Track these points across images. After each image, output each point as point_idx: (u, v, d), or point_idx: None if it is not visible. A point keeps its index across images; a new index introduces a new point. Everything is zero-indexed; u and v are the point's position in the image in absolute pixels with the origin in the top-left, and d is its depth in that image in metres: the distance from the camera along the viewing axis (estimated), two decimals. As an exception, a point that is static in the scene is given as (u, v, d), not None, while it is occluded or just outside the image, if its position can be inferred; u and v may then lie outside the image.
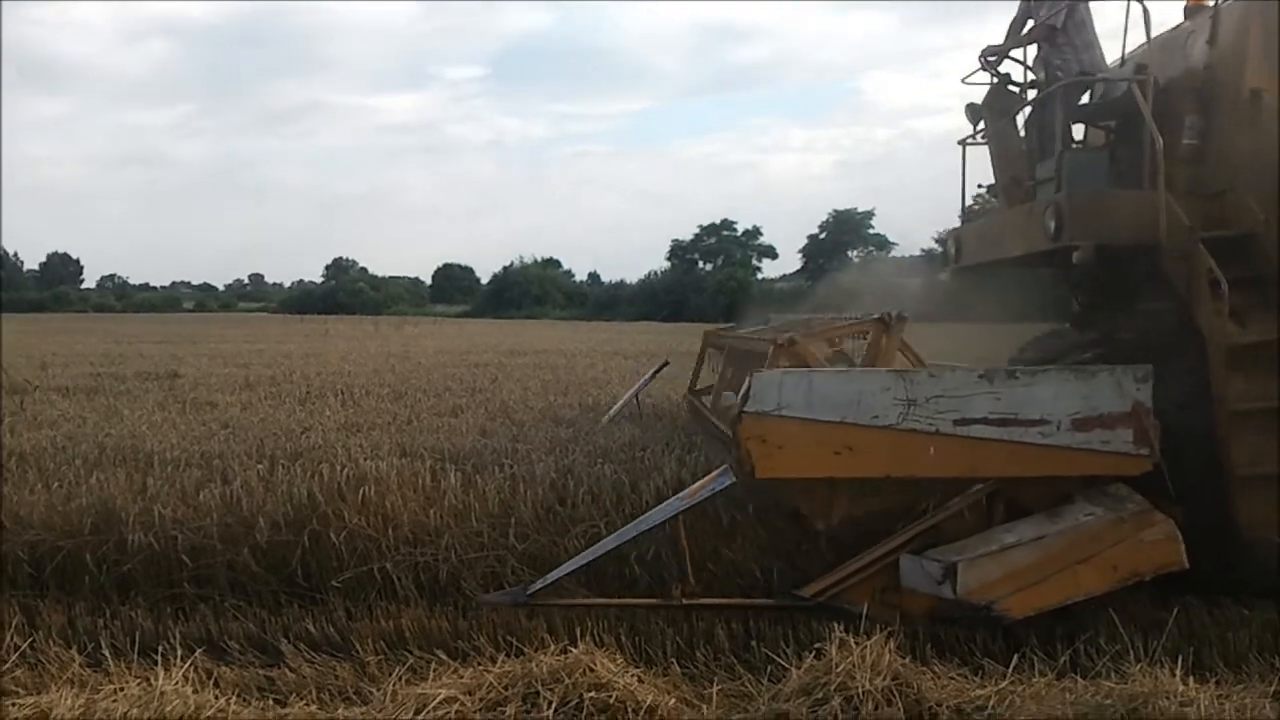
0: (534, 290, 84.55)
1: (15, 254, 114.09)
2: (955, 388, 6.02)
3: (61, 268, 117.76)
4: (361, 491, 7.16)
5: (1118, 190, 7.18)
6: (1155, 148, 6.84)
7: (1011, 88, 7.84)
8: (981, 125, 8.08)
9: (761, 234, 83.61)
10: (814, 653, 5.17)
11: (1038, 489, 6.19)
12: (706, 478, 6.66)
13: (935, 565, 5.90)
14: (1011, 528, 6.07)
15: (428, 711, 4.73)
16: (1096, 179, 7.25)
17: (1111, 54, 8.01)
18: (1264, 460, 6.34)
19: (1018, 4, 8.09)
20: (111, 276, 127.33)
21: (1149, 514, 6.02)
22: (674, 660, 5.65)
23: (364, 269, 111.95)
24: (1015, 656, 5.40)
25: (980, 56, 7.65)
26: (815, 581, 6.20)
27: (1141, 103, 7.00)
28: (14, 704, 4.88)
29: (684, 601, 6.19)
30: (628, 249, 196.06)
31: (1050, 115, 7.63)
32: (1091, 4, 7.77)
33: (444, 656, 5.51)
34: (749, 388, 6.10)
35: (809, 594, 6.15)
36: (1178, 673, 4.86)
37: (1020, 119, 8.16)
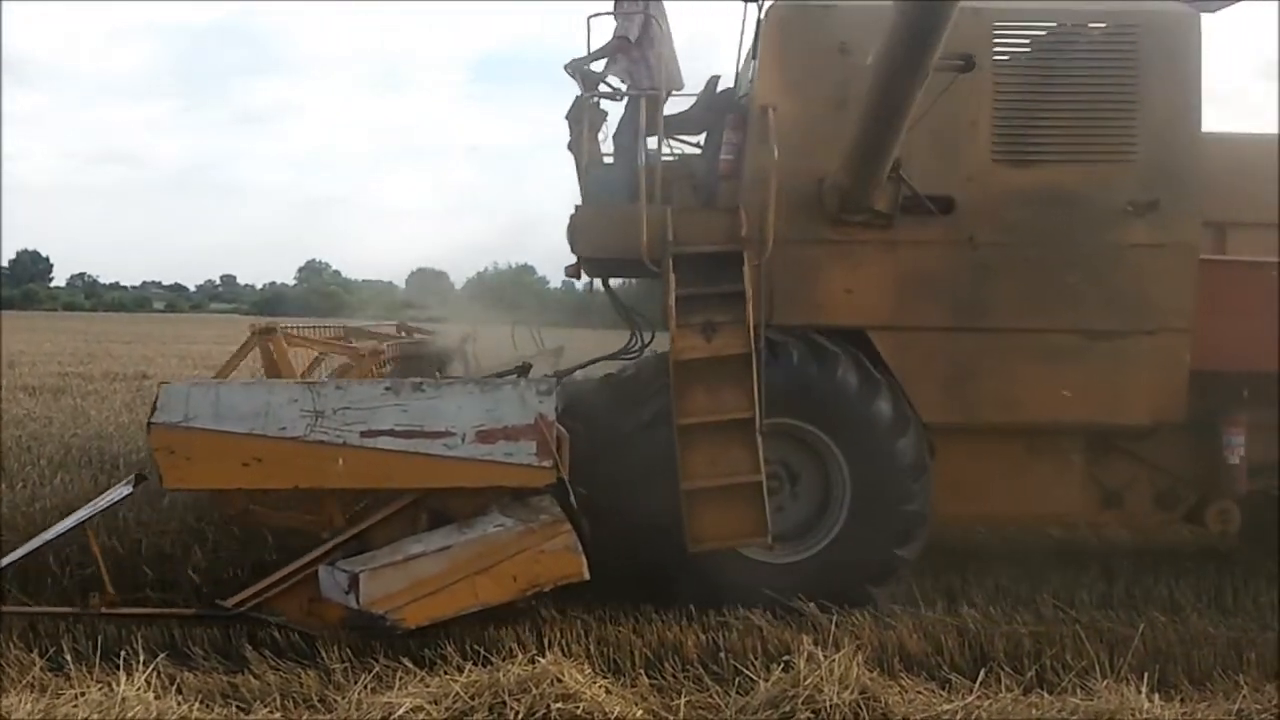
0: (507, 296, 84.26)
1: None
2: (362, 400, 6.01)
3: (31, 265, 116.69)
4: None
5: (620, 205, 7.17)
6: (642, 163, 7.03)
7: (603, 98, 7.76)
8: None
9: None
10: (782, 665, 5.19)
11: (462, 499, 6.17)
12: (113, 488, 6.65)
13: (343, 575, 5.86)
14: (421, 538, 6.05)
15: (393, 720, 4.70)
16: (616, 193, 7.26)
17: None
18: (708, 474, 6.41)
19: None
20: (81, 275, 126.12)
21: (555, 525, 6.01)
22: (642, 671, 5.62)
23: (337, 272, 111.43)
24: (982, 672, 5.43)
25: (566, 67, 7.57)
26: (243, 591, 6.17)
27: (641, 118, 7.17)
28: (-28, 708, 4.81)
29: (102, 610, 6.11)
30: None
31: (634, 128, 7.59)
32: (670, 14, 7.78)
33: (410, 665, 5.46)
34: (156, 398, 6.08)
35: (231, 604, 6.11)
36: (1143, 689, 4.91)
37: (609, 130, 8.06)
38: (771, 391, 6.50)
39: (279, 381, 6.61)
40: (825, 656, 5.03)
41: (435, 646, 5.82)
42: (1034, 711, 4.95)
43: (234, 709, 5.14)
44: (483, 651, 5.68)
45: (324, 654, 5.75)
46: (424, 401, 6.00)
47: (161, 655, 5.54)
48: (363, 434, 5.97)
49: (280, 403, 6.00)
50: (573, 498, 6.12)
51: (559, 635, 5.98)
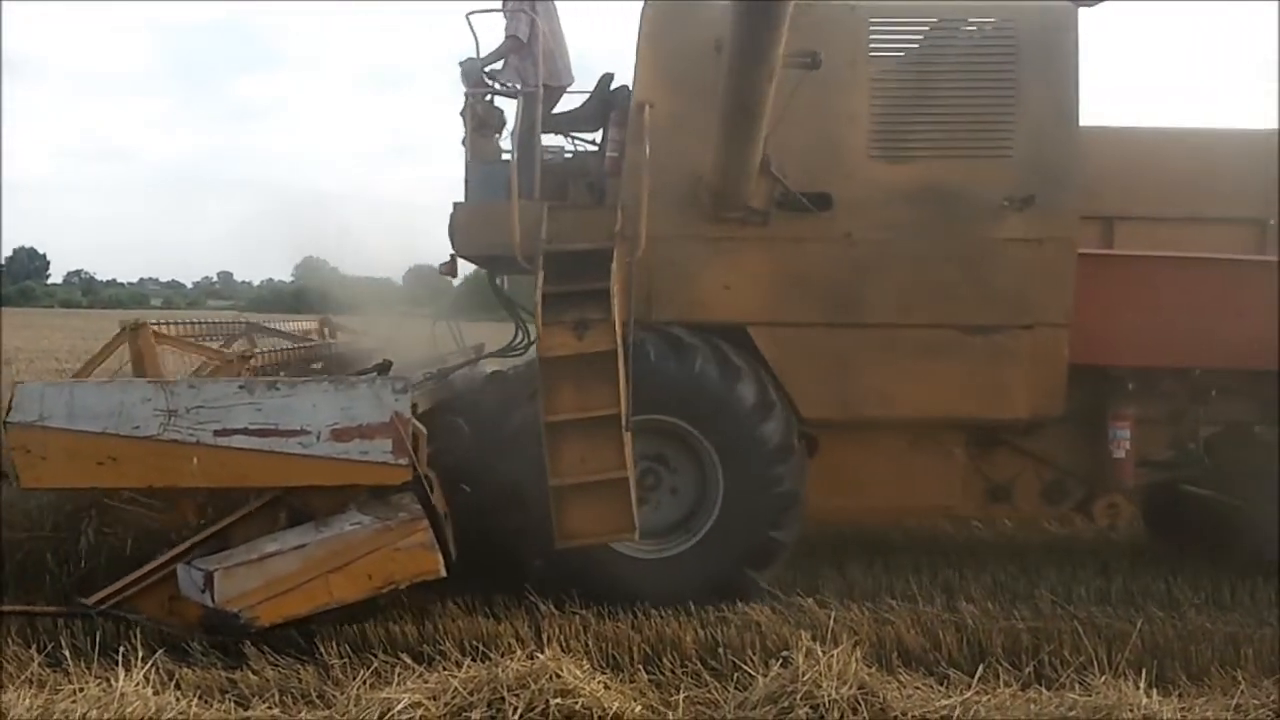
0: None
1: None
2: (216, 398, 5.98)
3: (27, 262, 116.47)
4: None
5: (497, 203, 7.16)
6: (515, 159, 7.05)
7: (496, 98, 7.77)
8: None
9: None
10: (781, 661, 5.19)
11: (323, 497, 6.14)
12: None
13: (199, 573, 5.83)
14: (277, 536, 6.02)
15: (391, 716, 4.71)
16: (498, 190, 7.26)
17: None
18: (578, 470, 6.40)
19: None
20: (78, 272, 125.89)
21: (412, 523, 5.99)
22: (640, 667, 5.63)
23: (334, 269, 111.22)
24: (980, 667, 5.43)
25: (461, 64, 7.55)
26: (105, 589, 6.12)
27: (521, 116, 7.24)
28: (-30, 704, 4.81)
29: None
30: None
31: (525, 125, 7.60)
32: (560, 10, 7.81)
33: (409, 661, 5.46)
34: (12, 397, 6.05)
35: (93, 601, 6.06)
36: (1141, 685, 4.91)
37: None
38: (636, 388, 6.48)
39: (133, 380, 6.57)
40: (824, 652, 5.03)
41: (434, 643, 5.83)
42: (1032, 707, 4.96)
43: (232, 705, 5.15)
44: (481, 647, 5.67)
45: (322, 650, 5.76)
46: (278, 400, 5.97)
47: (160, 651, 5.53)
48: (216, 433, 5.94)
49: (134, 402, 5.97)
50: (431, 495, 6.11)
51: (558, 631, 5.99)
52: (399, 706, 4.74)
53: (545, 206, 6.99)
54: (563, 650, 5.35)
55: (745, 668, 5.39)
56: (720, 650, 5.81)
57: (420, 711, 4.73)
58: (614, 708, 4.84)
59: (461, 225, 7.27)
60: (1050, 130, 7.09)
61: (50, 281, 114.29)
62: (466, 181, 7.53)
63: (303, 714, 5.05)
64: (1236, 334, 7.22)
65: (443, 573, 6.02)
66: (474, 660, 5.33)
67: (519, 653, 5.25)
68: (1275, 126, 7.71)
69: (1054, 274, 7.10)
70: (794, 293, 7.13)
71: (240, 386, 6.04)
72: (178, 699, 4.89)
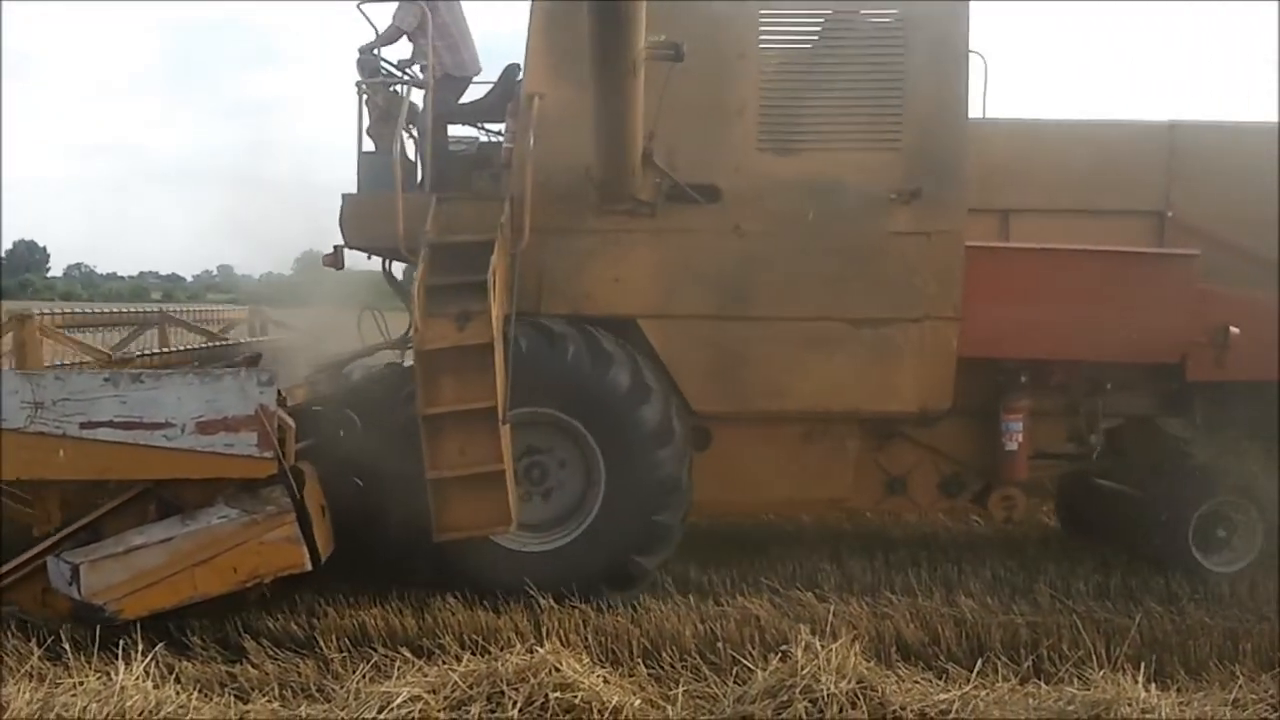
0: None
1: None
2: (81, 391, 5.94)
3: (27, 255, 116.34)
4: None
5: (385, 194, 7.11)
6: (397, 152, 7.09)
7: (396, 86, 7.75)
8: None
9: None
10: (779, 655, 5.18)
11: (193, 490, 6.12)
12: None
13: (66, 566, 5.81)
14: (144, 529, 6.00)
15: (391, 710, 4.71)
16: (387, 181, 7.22)
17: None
18: (457, 463, 6.40)
19: None
20: (79, 265, 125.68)
21: (279, 517, 5.98)
22: (640, 661, 5.64)
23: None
24: (979, 661, 5.43)
25: (360, 50, 7.54)
26: None
27: (403, 108, 7.27)
28: (-30, 698, 4.81)
29: None
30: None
31: (423, 115, 7.62)
32: (464, 3, 7.82)
33: (409, 655, 5.47)
34: None
35: None
36: (1139, 679, 4.90)
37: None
38: (512, 380, 6.51)
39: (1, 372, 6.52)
40: (822, 646, 5.02)
41: (433, 636, 5.84)
42: (1030, 701, 4.95)
43: (232, 699, 5.15)
44: (481, 641, 5.69)
45: (322, 644, 5.77)
46: (143, 392, 5.93)
47: (160, 645, 5.54)
48: (82, 425, 5.90)
49: (1, 394, 5.94)
50: (303, 488, 6.10)
51: (557, 625, 6.00)
52: (398, 700, 4.74)
53: (434, 198, 7.01)
54: (562, 644, 5.35)
55: (744, 662, 5.38)
56: (719, 644, 5.82)
57: (420, 705, 4.73)
58: (613, 701, 4.84)
59: (350, 216, 7.25)
60: (939, 124, 7.10)
61: (50, 275, 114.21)
62: (358, 172, 7.50)
63: (302, 708, 5.05)
64: (1129, 327, 7.25)
65: (308, 566, 6.02)
66: (473, 654, 5.34)
67: (518, 646, 5.25)
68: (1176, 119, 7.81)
69: (942, 267, 7.12)
70: (683, 285, 7.13)
71: (105, 379, 5.99)
72: (177, 693, 4.89)
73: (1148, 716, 4.66)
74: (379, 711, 4.72)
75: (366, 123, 7.55)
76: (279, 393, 6.02)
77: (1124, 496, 7.83)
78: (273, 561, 5.95)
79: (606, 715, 4.78)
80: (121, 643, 5.27)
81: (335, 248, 7.51)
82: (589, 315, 7.05)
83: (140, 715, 4.67)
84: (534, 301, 7.01)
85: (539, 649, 5.08)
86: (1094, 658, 5.45)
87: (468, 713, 4.73)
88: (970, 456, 7.65)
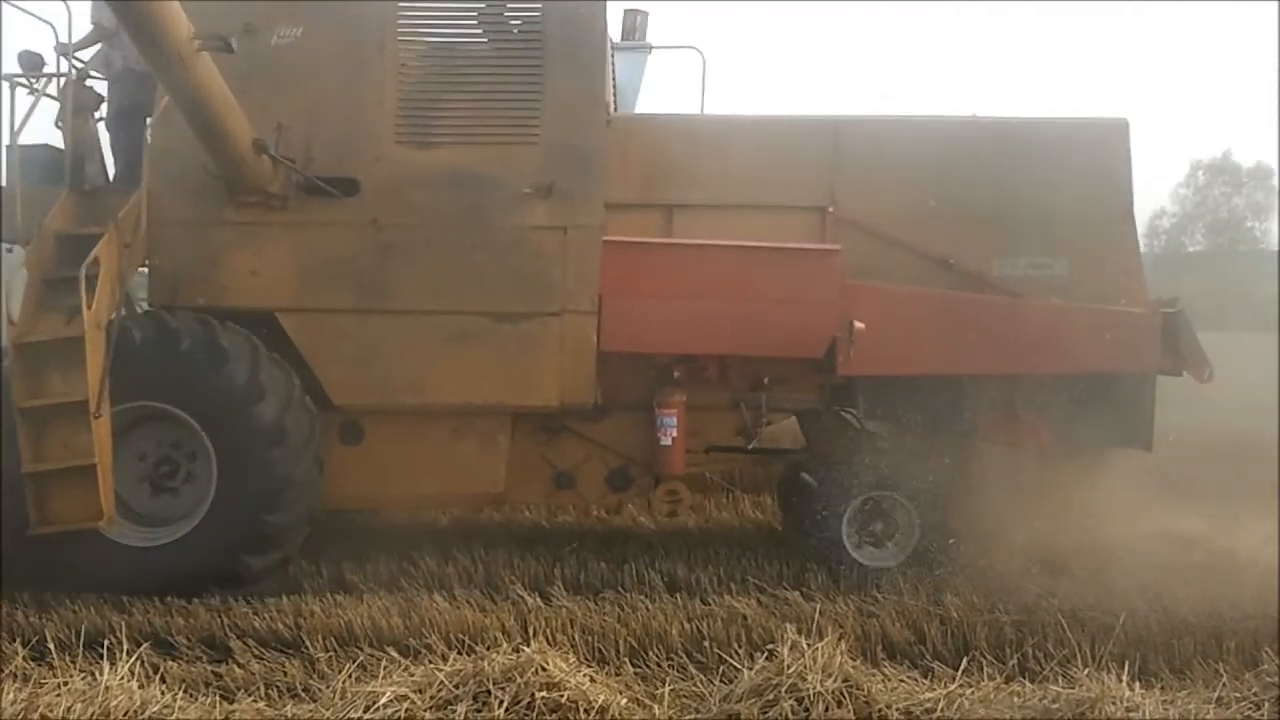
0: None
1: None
2: None
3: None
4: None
5: (30, 187, 7.12)
6: (12, 144, 7.07)
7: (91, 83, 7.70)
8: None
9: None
10: (766, 654, 5.19)
11: None
12: None
13: None
14: None
15: (377, 709, 4.69)
16: (48, 174, 7.25)
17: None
18: (59, 457, 6.41)
19: None
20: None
21: None
22: (626, 660, 5.64)
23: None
24: (964, 660, 5.46)
25: (55, 48, 7.42)
26: None
27: (87, 102, 7.28)
28: (-46, 698, 4.79)
29: None
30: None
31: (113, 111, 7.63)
32: None
33: (395, 654, 5.46)
34: None
35: None
36: (1124, 678, 4.92)
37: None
38: (125, 373, 6.50)
39: None
40: (809, 645, 5.03)
41: (420, 636, 5.83)
42: (1015, 700, 4.97)
43: (217, 698, 5.13)
44: (467, 640, 5.67)
45: (308, 643, 5.76)
46: None
47: (145, 645, 5.53)
48: None
49: None
50: None
51: (544, 624, 5.99)
52: (384, 699, 4.73)
53: (65, 191, 6.99)
54: (549, 643, 5.34)
55: (731, 660, 5.40)
56: (706, 643, 5.82)
57: (406, 705, 4.72)
58: (600, 700, 4.83)
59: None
60: (577, 120, 7.18)
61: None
62: (7, 165, 7.40)
63: (288, 707, 5.04)
64: (772, 322, 7.27)
65: None
66: (460, 653, 5.32)
67: (505, 646, 5.24)
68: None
69: (580, 262, 7.18)
70: (321, 278, 7.16)
71: None
72: (162, 693, 4.86)
73: (1132, 715, 4.68)
74: (365, 711, 4.70)
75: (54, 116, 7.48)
76: None
77: (806, 488, 7.86)
78: None
79: (593, 714, 4.77)
80: (106, 643, 5.25)
81: None
82: (227, 308, 7.03)
83: (125, 715, 4.65)
84: (169, 294, 7.01)
85: (525, 648, 5.06)
86: (1079, 656, 5.49)
87: (454, 712, 4.72)
88: (636, 451, 7.68)
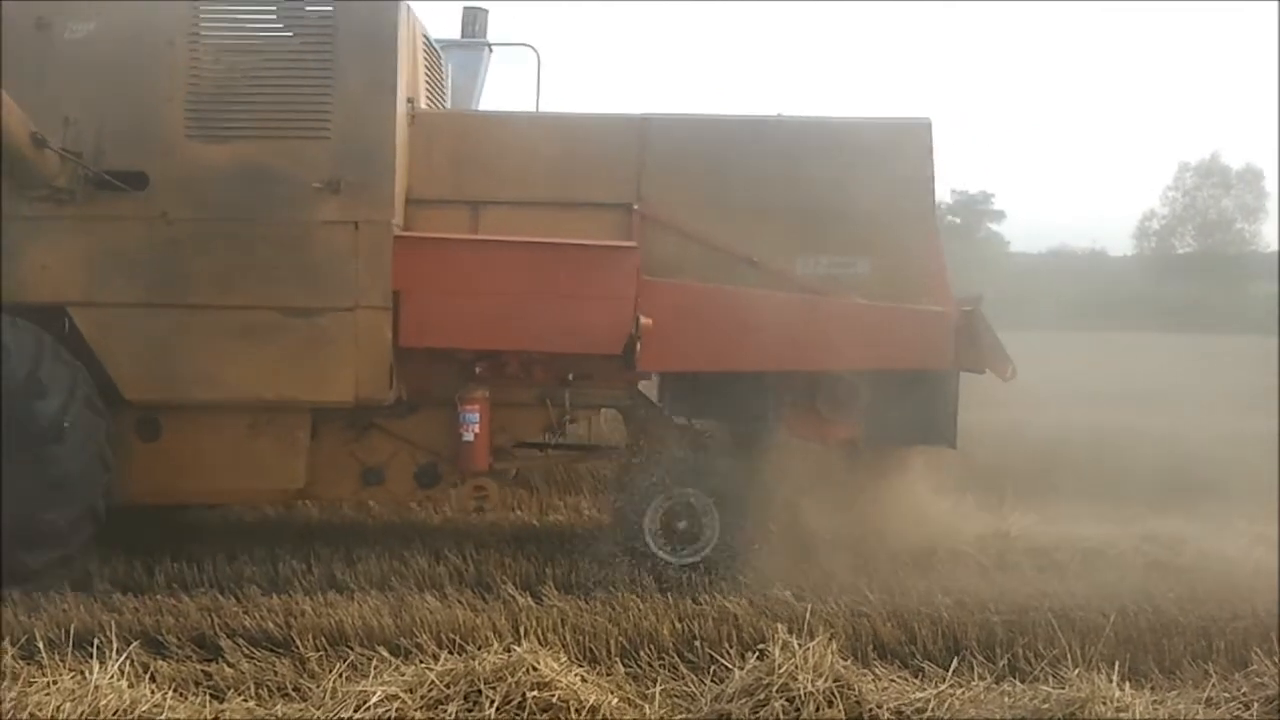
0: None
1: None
2: None
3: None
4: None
5: None
6: None
7: None
8: None
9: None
10: (757, 654, 5.19)
11: None
12: None
13: None
14: None
15: (368, 709, 4.68)
16: None
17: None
18: None
19: None
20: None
21: None
22: (617, 660, 5.64)
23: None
24: (955, 660, 5.46)
25: None
26: None
27: None
28: (-58, 697, 4.77)
29: None
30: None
31: None
32: None
33: (385, 654, 5.46)
34: None
35: None
36: (1114, 678, 4.92)
37: None
38: None
39: None
40: (800, 645, 5.04)
41: (411, 635, 5.82)
42: (1006, 700, 4.97)
43: (208, 698, 5.11)
44: (458, 640, 5.67)
45: (299, 643, 5.75)
46: None
47: (135, 644, 5.50)
48: None
49: None
50: None
51: (535, 624, 5.98)
52: (375, 699, 4.72)
53: None
54: (540, 643, 5.33)
55: (722, 660, 5.40)
56: (697, 643, 5.83)
57: (396, 704, 4.71)
58: (591, 700, 4.83)
59: None
60: (368, 115, 7.19)
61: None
62: None
63: (278, 707, 5.03)
64: (568, 318, 7.29)
65: None
66: (451, 653, 5.31)
67: (496, 645, 5.23)
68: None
69: (371, 257, 7.18)
70: (112, 273, 7.12)
71: None
72: (152, 691, 4.85)
73: (1122, 715, 4.69)
74: (355, 710, 4.69)
75: None
76: None
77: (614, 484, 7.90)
78: None
79: (584, 714, 4.77)
80: (96, 641, 5.24)
81: None
82: (22, 303, 6.96)
83: (115, 714, 4.63)
84: None
85: (516, 648, 5.06)
86: (1069, 656, 5.50)
87: (444, 712, 4.72)
88: (444, 447, 7.67)
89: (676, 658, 5.67)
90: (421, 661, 5.19)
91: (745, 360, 7.46)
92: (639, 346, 7.18)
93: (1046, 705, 4.81)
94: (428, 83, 7.99)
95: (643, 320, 7.17)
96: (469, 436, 7.42)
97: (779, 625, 5.50)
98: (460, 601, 6.44)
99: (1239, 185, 59.48)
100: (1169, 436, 10.99)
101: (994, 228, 65.28)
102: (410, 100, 7.50)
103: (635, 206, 7.54)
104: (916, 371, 7.54)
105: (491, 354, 7.48)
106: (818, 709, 4.77)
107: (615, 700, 4.97)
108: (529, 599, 6.44)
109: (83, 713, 4.60)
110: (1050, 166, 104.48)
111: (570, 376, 7.68)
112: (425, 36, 7.94)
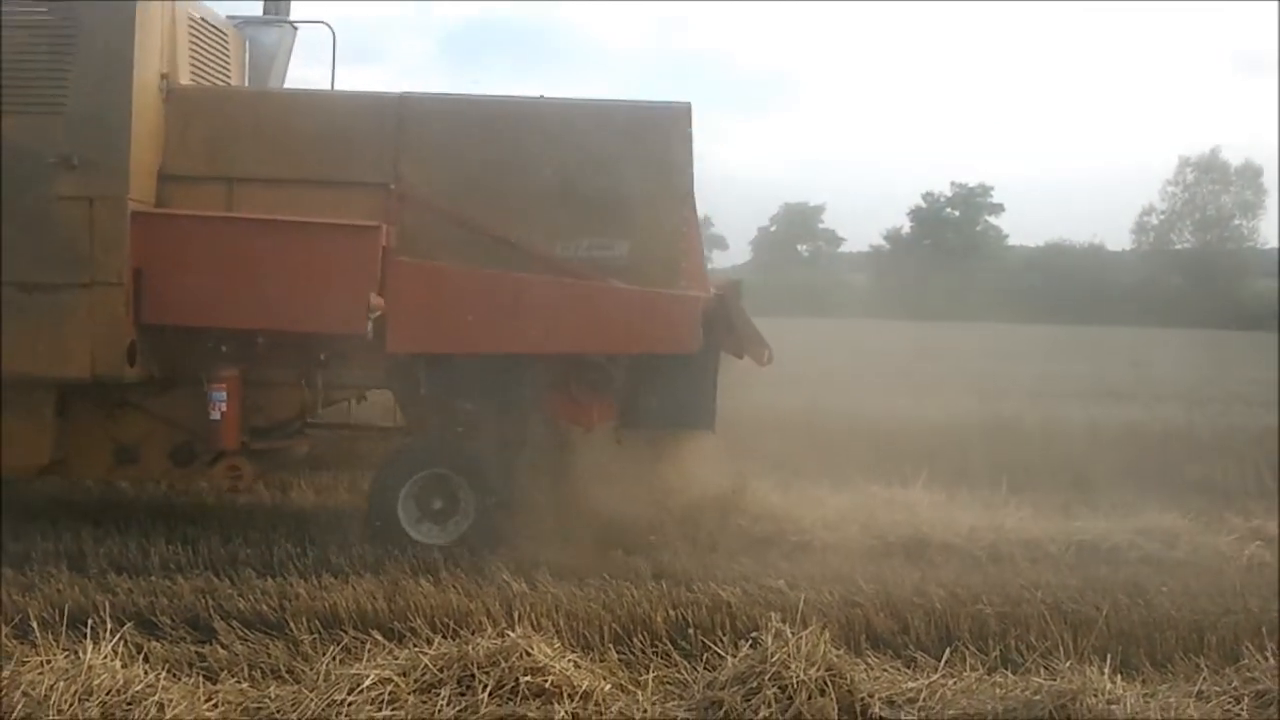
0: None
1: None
2: None
3: None
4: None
5: None
6: None
7: None
8: None
9: (712, 224, 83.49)
10: (750, 642, 5.20)
11: None
12: None
13: None
14: None
15: (361, 692, 4.69)
16: None
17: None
18: None
19: None
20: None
21: None
22: (611, 646, 5.64)
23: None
24: (947, 650, 5.47)
25: None
26: None
27: None
28: (-64, 675, 4.77)
29: None
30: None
31: None
32: None
33: (379, 637, 5.46)
34: None
35: None
36: (1106, 670, 4.93)
37: None
38: None
39: None
40: (793, 633, 5.04)
41: (405, 619, 5.83)
42: (997, 691, 4.98)
43: (201, 679, 5.11)
44: (452, 624, 5.68)
45: (293, 625, 5.76)
46: None
47: (129, 624, 5.49)
48: None
49: None
50: None
51: (528, 609, 5.99)
52: (368, 682, 4.73)
53: None
54: (533, 628, 5.35)
55: (715, 648, 5.41)
56: (690, 630, 5.84)
57: (390, 687, 4.72)
58: (584, 686, 4.84)
59: None
60: (105, 91, 7.15)
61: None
62: None
63: (272, 689, 5.03)
64: (310, 297, 7.25)
65: None
66: (444, 637, 5.32)
67: (490, 630, 5.25)
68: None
69: (107, 233, 7.15)
70: None
71: None
72: (146, 672, 4.85)
73: (1113, 707, 4.69)
74: (348, 693, 4.70)
75: None
76: None
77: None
78: None
79: (576, 699, 4.78)
80: (90, 621, 5.23)
81: None
82: None
83: (108, 694, 4.63)
84: None
85: (510, 633, 5.07)
86: (1061, 648, 5.51)
87: (438, 695, 4.73)
88: (199, 426, 7.61)
89: (669, 645, 5.68)
90: (415, 645, 5.20)
91: (498, 343, 7.45)
92: (367, 323, 7.13)
93: (1038, 696, 4.82)
94: (198, 60, 7.92)
95: (373, 300, 7.12)
96: (216, 415, 7.39)
97: (772, 614, 5.52)
98: (454, 586, 6.45)
99: (1238, 181, 59.55)
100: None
101: (992, 220, 65.53)
102: (164, 76, 7.44)
103: (391, 186, 7.52)
104: (671, 356, 7.50)
105: (240, 333, 7.42)
106: (810, 697, 4.77)
107: (608, 686, 4.98)
108: (523, 584, 6.44)
109: (76, 692, 4.60)
110: (1050, 161, 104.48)
111: (322, 357, 7.64)
112: (199, 14, 7.89)
